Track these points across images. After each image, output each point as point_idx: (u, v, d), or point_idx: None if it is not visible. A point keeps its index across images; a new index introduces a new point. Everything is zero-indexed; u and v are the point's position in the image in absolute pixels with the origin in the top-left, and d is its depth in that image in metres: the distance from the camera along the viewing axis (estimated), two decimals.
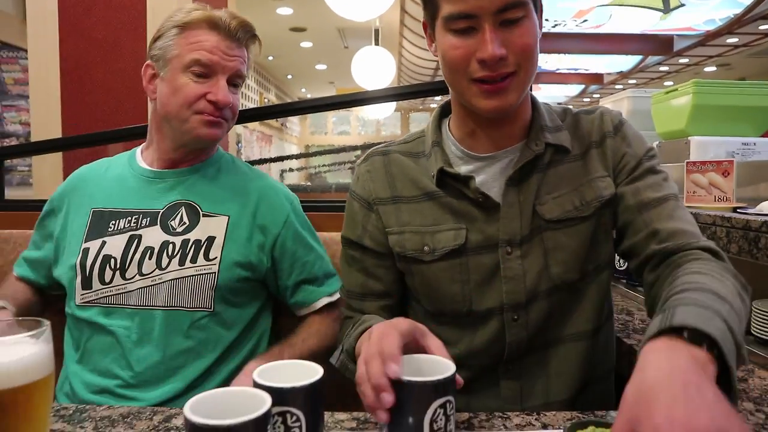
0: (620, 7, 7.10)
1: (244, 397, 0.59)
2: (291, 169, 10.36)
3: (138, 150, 1.30)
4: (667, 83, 12.24)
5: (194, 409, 0.55)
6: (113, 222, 1.17)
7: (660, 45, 8.68)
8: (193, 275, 1.13)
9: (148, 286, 1.13)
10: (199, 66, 1.14)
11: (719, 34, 8.15)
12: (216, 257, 1.15)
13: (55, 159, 2.50)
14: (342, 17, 3.43)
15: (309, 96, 17.08)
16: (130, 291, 1.13)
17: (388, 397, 0.63)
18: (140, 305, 1.12)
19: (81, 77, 2.50)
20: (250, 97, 11.94)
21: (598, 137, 1.01)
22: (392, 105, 10.66)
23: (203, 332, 1.13)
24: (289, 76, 14.38)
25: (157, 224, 1.17)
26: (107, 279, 1.13)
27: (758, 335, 1.20)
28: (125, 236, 1.15)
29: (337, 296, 1.25)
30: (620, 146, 1.00)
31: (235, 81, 1.20)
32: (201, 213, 1.19)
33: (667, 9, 7.04)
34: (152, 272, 1.13)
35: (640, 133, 1.04)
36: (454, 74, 0.91)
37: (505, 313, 0.95)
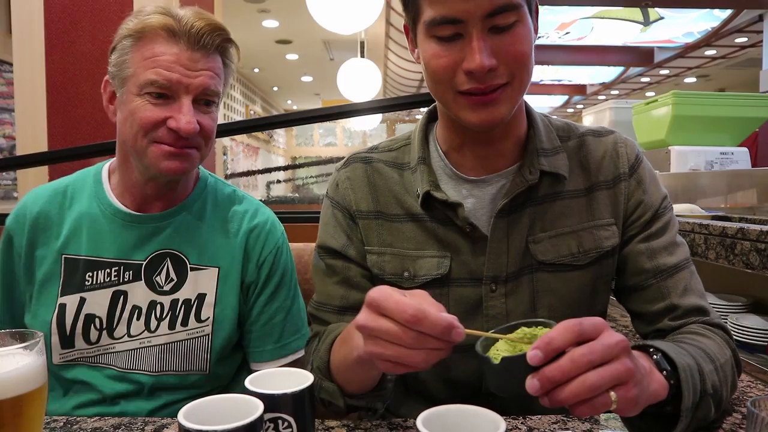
0: (602, 20, 7.25)
1: (237, 404, 0.60)
2: (278, 181, 10.35)
3: (104, 176, 1.09)
4: (648, 94, 12.43)
5: (188, 415, 0.56)
6: (90, 274, 1.02)
7: (641, 56, 8.84)
8: (185, 339, 1.03)
9: (136, 348, 1.02)
10: (156, 87, 0.95)
11: (698, 46, 8.32)
12: (208, 317, 1.05)
13: (41, 172, 2.50)
14: (327, 30, 3.47)
15: (295, 108, 17.09)
16: (118, 351, 1.02)
17: (460, 328, 0.61)
18: (128, 369, 1.02)
19: (67, 90, 2.50)
20: (236, 109, 11.93)
21: (611, 177, 0.92)
22: (378, 116, 10.74)
23: (198, 389, 1.05)
24: (275, 88, 14.39)
25: (141, 279, 1.03)
26: (93, 339, 1.01)
27: None
28: (107, 292, 1.02)
29: (296, 356, 1.11)
30: (635, 192, 0.91)
31: (205, 99, 0.99)
32: (189, 266, 1.05)
33: (647, 22, 7.19)
34: (140, 334, 1.02)
35: (655, 172, 0.95)
36: (438, 85, 0.83)
37: None
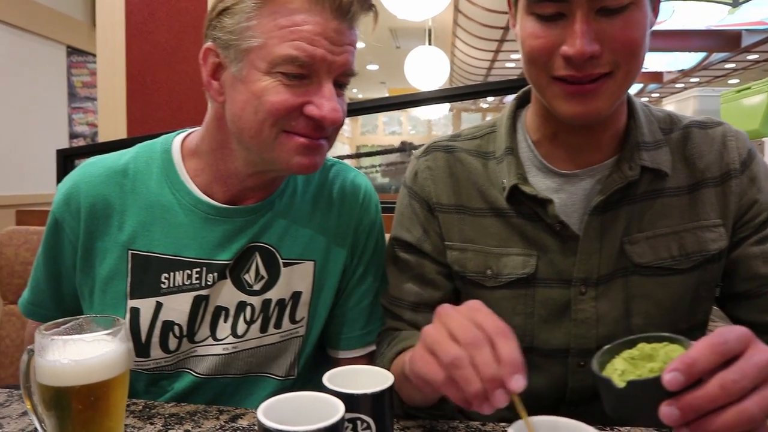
0: (684, 3, 6.82)
1: (317, 403, 0.58)
2: None
3: (176, 157, 0.92)
4: (732, 81, 11.68)
5: (267, 413, 0.55)
6: (166, 276, 0.89)
7: (726, 41, 8.29)
8: (276, 342, 0.94)
9: (220, 354, 0.92)
10: (296, 66, 0.77)
11: None
12: (303, 318, 0.95)
13: None
14: (394, 17, 3.44)
15: (360, 96, 17.18)
16: (200, 356, 0.92)
17: (503, 397, 0.55)
18: (211, 374, 0.93)
19: (145, 80, 2.58)
20: None
21: (719, 173, 0.83)
22: (446, 105, 10.63)
23: (287, 389, 0.95)
24: None
25: (227, 278, 0.90)
26: (171, 347, 0.90)
27: None
28: (188, 297, 0.89)
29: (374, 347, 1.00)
30: (748, 190, 0.83)
31: (343, 81, 0.84)
32: (281, 261, 0.93)
33: (735, 2, 6.71)
34: (225, 338, 0.92)
35: None
36: (532, 68, 0.77)
37: (571, 357, 0.85)
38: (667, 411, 0.49)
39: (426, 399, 0.78)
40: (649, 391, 0.51)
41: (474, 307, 0.62)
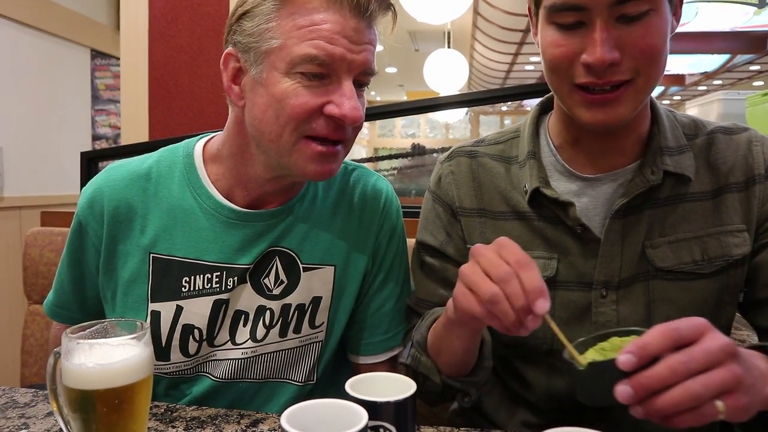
0: (708, 4, 6.72)
1: (340, 410, 0.58)
2: None
3: (198, 161, 0.93)
4: (756, 83, 11.47)
5: (290, 420, 0.55)
6: (186, 279, 0.89)
7: (751, 42, 8.14)
8: (295, 347, 0.94)
9: (239, 359, 0.92)
10: (316, 65, 0.76)
11: None
12: (322, 323, 0.95)
13: None
14: (413, 20, 3.44)
15: (378, 99, 17.19)
16: (219, 360, 0.92)
17: (534, 321, 0.63)
18: (229, 379, 0.93)
19: (167, 83, 2.61)
20: None
21: (743, 178, 0.83)
22: (464, 108, 10.59)
23: (307, 396, 0.96)
24: None
25: (246, 282, 0.91)
26: (191, 351, 0.91)
27: None
28: (208, 301, 0.89)
29: (397, 350, 1.01)
30: None
31: (362, 80, 0.83)
32: (301, 265, 0.93)
33: (762, 3, 6.59)
34: (244, 343, 0.92)
35: None
36: (553, 76, 0.78)
37: None
38: (621, 389, 0.54)
39: (464, 363, 0.81)
40: (607, 372, 0.56)
41: (501, 243, 0.67)
